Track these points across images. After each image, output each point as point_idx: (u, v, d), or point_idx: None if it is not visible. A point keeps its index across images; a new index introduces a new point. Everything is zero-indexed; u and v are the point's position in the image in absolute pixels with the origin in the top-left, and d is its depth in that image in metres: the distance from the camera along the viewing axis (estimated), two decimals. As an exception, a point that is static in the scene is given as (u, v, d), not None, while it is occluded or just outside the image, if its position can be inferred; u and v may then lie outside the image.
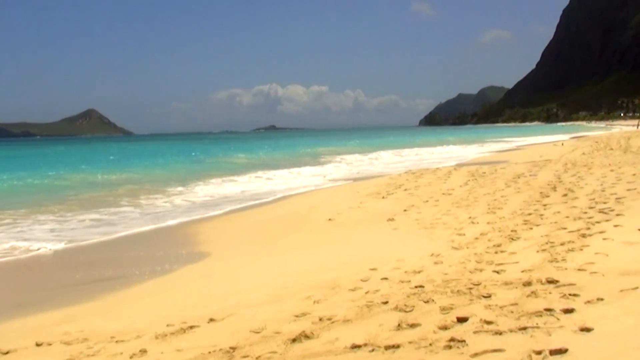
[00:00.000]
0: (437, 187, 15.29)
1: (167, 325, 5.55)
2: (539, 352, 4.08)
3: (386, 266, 7.19)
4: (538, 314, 4.84)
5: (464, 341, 4.40)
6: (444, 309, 5.18)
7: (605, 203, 10.48)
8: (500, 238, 8.29)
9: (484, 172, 18.35)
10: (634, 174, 14.56)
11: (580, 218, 9.29)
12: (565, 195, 12.05)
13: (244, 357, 4.60)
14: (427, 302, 5.46)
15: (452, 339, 4.44)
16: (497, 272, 6.35)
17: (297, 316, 5.45)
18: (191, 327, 5.47)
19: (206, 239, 10.54)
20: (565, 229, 8.54)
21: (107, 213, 14.36)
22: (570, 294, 5.25)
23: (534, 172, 17.35)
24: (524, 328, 4.54)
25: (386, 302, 5.56)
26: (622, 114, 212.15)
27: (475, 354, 4.17)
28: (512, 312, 4.95)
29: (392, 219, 10.95)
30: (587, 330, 4.43)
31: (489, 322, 4.73)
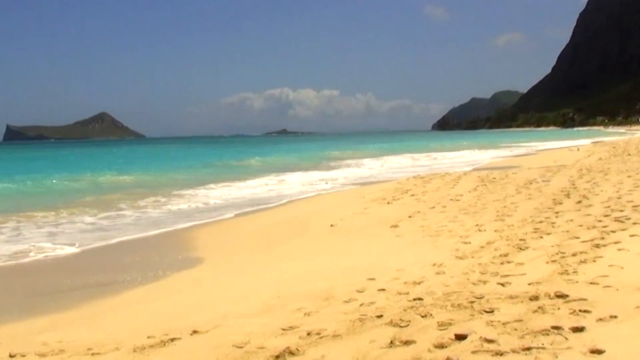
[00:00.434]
0: (445, 193, 14.85)
1: (148, 337, 5.19)
2: (543, 378, 3.67)
3: (385, 276, 6.79)
4: (544, 332, 4.42)
5: (461, 363, 4.00)
6: (442, 325, 4.78)
7: (621, 211, 9.98)
8: (508, 247, 7.86)
9: (495, 178, 17.88)
10: (651, 181, 14.06)
11: (594, 227, 8.84)
12: (579, 202, 11.59)
13: (221, 376, 4.23)
14: (424, 316, 5.06)
15: (447, 360, 4.05)
16: (502, 285, 5.93)
17: (284, 330, 5.06)
18: (172, 339, 5.10)
19: (202, 245, 10.17)
20: (577, 238, 8.10)
21: (108, 217, 14.02)
22: (580, 310, 4.83)
23: (547, 178, 16.86)
24: (528, 348, 4.13)
25: (380, 316, 5.17)
26: (639, 119, 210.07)
27: (473, 379, 3.77)
28: (515, 329, 4.53)
29: (396, 226, 10.54)
30: (598, 352, 4.01)
31: (489, 341, 4.32)
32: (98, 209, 15.39)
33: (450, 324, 4.77)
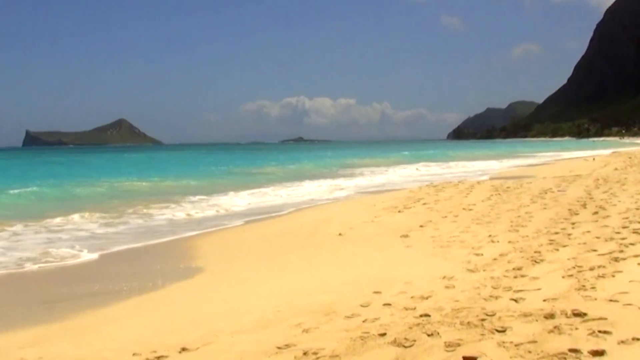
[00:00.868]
0: (457, 202, 14.45)
1: (134, 355, 4.87)
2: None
3: (391, 289, 6.43)
4: (561, 355, 4.06)
5: (469, 389, 3.64)
6: (450, 345, 4.42)
7: (640, 223, 9.57)
8: (522, 260, 7.47)
9: (509, 187, 17.44)
10: (671, 192, 13.59)
11: (612, 239, 8.43)
12: (595, 213, 11.17)
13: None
14: (431, 335, 4.70)
15: (454, 386, 3.69)
16: (516, 301, 5.55)
17: (279, 348, 4.72)
18: (159, 357, 4.78)
19: (204, 254, 9.83)
20: (595, 251, 7.70)
21: (112, 224, 13.71)
22: (600, 331, 4.45)
23: (563, 188, 16.41)
24: (544, 374, 3.77)
25: (384, 334, 4.81)
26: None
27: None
28: (529, 352, 4.17)
29: (406, 235, 10.17)
30: (621, 380, 3.64)
31: (501, 365, 3.96)
32: (106, 215, 15.09)
33: (458, 345, 4.41)
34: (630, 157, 36.65)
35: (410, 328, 4.91)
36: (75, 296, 7.36)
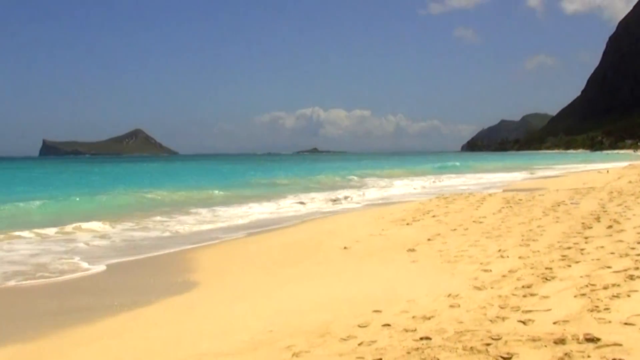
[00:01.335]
0: (468, 214, 14.07)
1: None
2: None
3: (393, 308, 6.08)
4: (572, 387, 3.70)
5: None
6: (451, 373, 4.06)
7: (656, 238, 9.16)
8: (532, 277, 7.10)
9: (521, 199, 17.03)
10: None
11: (627, 255, 8.05)
12: (610, 227, 10.77)
13: None
14: (430, 361, 4.35)
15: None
16: (524, 323, 5.19)
17: (266, 373, 4.38)
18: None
19: (201, 267, 9.48)
20: (609, 267, 7.31)
21: (109, 237, 13.24)
22: None
23: (576, 200, 16.00)
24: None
25: (380, 360, 4.46)
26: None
27: None
28: (537, 382, 3.81)
29: (413, 250, 9.81)
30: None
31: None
32: (111, 227, 14.75)
33: (459, 372, 4.06)
34: (645, 170, 36.07)
35: (409, 353, 4.57)
36: (62, 311, 7.01)
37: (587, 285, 6.45)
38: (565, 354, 4.24)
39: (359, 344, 4.92)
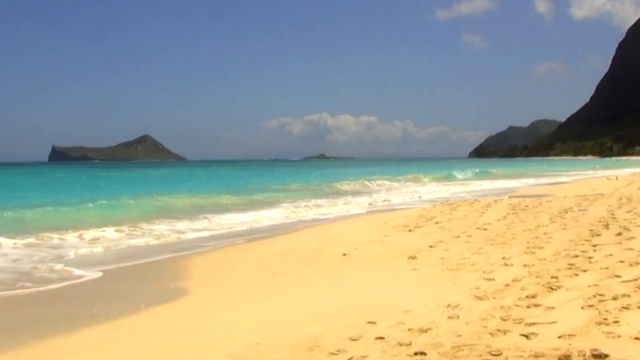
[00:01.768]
0: (472, 221, 13.69)
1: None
2: None
3: (389, 319, 5.74)
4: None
5: None
6: (445, 393, 3.72)
7: (667, 246, 8.79)
8: (537, 286, 6.75)
9: (527, 206, 16.64)
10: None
11: (637, 263, 7.71)
12: (619, 234, 10.40)
13: None
14: (424, 379, 4.01)
15: None
16: (526, 337, 4.84)
17: (247, 391, 4.05)
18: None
19: (194, 274, 9.13)
20: (618, 277, 6.96)
21: (104, 243, 12.92)
22: (624, 379, 3.74)
23: (584, 207, 15.61)
24: None
25: (369, 377, 4.12)
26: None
27: None
28: (539, 404, 3.46)
29: (414, 257, 9.45)
30: None
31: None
32: (109, 232, 14.43)
33: (454, 392, 3.71)
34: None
35: (401, 369, 4.22)
36: (45, 320, 6.70)
37: (595, 296, 6.10)
38: (570, 373, 3.90)
39: (349, 359, 4.58)
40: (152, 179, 52.69)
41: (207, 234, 14.47)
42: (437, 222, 13.81)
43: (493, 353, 4.42)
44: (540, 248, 9.51)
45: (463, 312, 5.85)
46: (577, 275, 7.28)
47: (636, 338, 4.59)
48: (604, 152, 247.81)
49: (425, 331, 5.23)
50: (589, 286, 6.59)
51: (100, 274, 9.42)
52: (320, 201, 24.83)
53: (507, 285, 6.98)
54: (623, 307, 5.54)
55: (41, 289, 8.38)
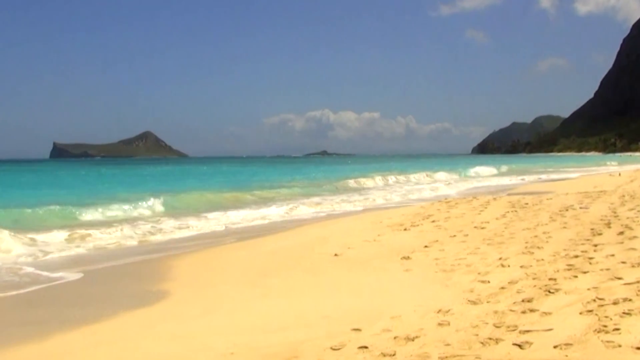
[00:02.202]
0: (469, 219, 13.33)
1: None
2: None
3: (374, 325, 5.40)
4: None
5: None
6: (426, 413, 3.38)
7: (672, 246, 8.44)
8: (534, 289, 6.40)
9: (527, 203, 16.27)
10: None
11: (639, 264, 7.34)
12: (621, 233, 10.04)
13: None
14: (405, 395, 3.66)
15: None
16: (520, 346, 4.49)
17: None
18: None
19: (177, 275, 8.74)
20: (620, 279, 6.61)
21: (86, 244, 12.48)
22: (624, 397, 3.39)
23: (585, 205, 15.23)
24: None
25: (346, 393, 3.78)
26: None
27: None
28: None
29: (408, 257, 9.10)
30: None
31: None
32: (94, 232, 14.04)
33: (437, 412, 3.37)
34: (658, 172, 35.18)
35: (381, 384, 3.88)
36: (14, 325, 6.36)
37: (594, 300, 5.76)
38: (565, 390, 3.55)
39: (326, 372, 4.24)
40: (150, 177, 52.31)
41: (194, 232, 14.17)
42: (433, 221, 13.45)
43: (482, 365, 4.09)
44: (538, 248, 9.16)
45: (454, 318, 5.51)
46: (576, 277, 6.94)
47: (638, 348, 4.25)
48: (607, 148, 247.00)
49: (412, 339, 4.89)
50: (588, 289, 6.24)
51: (81, 274, 9.08)
52: (320, 199, 24.48)
53: (502, 288, 6.64)
54: (624, 313, 5.19)
55: (14, 292, 8.00)
